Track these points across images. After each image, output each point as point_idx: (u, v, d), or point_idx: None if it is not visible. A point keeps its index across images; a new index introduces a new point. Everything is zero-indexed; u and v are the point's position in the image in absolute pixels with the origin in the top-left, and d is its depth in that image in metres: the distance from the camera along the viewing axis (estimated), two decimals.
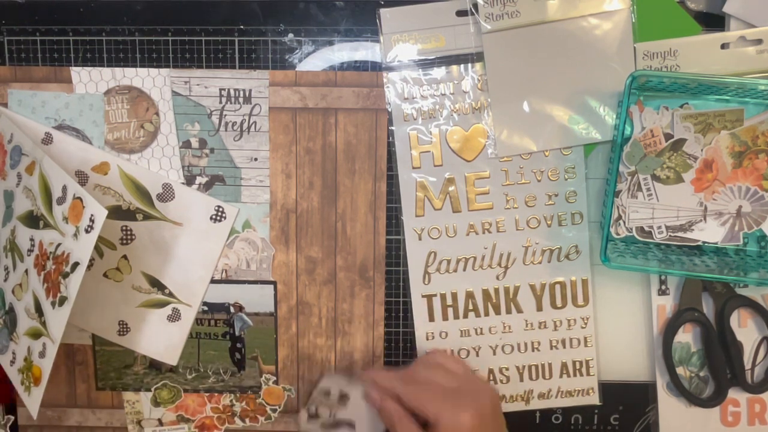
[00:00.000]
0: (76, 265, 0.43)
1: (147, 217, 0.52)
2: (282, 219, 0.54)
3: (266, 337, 0.55)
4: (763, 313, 0.52)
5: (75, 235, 0.44)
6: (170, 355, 0.55)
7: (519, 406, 0.55)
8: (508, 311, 0.54)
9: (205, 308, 0.55)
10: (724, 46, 0.49)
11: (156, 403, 0.56)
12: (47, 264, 0.46)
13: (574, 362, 0.54)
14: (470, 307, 0.54)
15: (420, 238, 0.53)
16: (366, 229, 0.54)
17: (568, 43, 0.50)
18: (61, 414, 0.57)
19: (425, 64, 0.52)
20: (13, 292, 0.49)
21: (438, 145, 0.52)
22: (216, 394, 0.56)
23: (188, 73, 0.52)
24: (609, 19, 0.50)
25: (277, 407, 0.56)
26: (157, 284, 0.53)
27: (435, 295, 0.54)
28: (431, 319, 0.54)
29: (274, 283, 0.54)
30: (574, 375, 0.54)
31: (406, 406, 0.47)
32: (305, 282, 0.54)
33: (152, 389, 0.56)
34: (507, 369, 0.54)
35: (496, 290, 0.54)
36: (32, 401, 0.47)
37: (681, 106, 0.50)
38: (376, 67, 0.52)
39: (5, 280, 0.49)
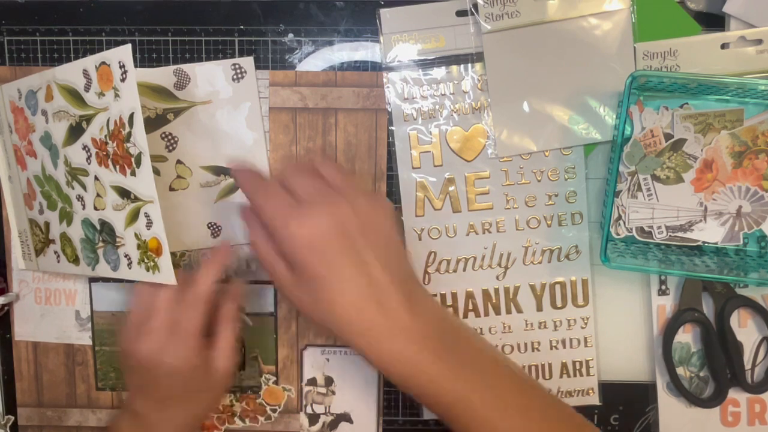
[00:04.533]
0: (131, 117, 0.42)
1: (177, 112, 0.52)
2: None
3: (266, 337, 0.55)
4: (763, 313, 0.52)
5: (116, 95, 0.43)
6: None
7: None
8: (508, 311, 0.54)
9: None
10: (724, 46, 0.49)
11: None
12: (108, 148, 0.45)
13: (574, 362, 0.54)
14: (470, 307, 0.54)
15: (420, 238, 0.53)
16: None
17: (568, 43, 0.50)
18: (61, 414, 0.57)
19: (425, 64, 0.52)
20: (95, 207, 0.48)
21: (438, 145, 0.52)
22: None
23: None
24: (609, 19, 0.50)
25: (277, 407, 0.56)
26: (220, 170, 0.53)
27: (435, 295, 0.54)
28: None
29: None
30: (574, 375, 0.54)
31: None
32: None
33: None
34: None
35: (496, 290, 0.54)
36: (164, 274, 0.45)
37: (681, 106, 0.50)
38: (376, 67, 0.52)
39: (84, 207, 0.49)
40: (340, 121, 0.53)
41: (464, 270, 0.53)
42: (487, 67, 0.51)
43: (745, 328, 0.53)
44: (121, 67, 0.42)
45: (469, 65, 0.51)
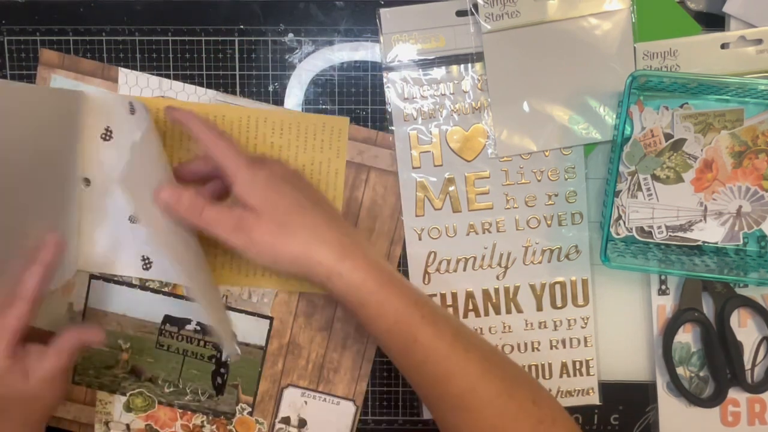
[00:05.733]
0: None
1: None
2: None
3: (251, 368, 0.55)
4: (763, 313, 0.52)
5: None
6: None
7: None
8: (508, 311, 0.54)
9: (198, 327, 0.54)
10: (724, 46, 0.49)
11: (128, 408, 0.55)
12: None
13: (574, 362, 0.54)
14: (470, 307, 0.54)
15: (420, 238, 0.53)
16: None
17: (568, 43, 0.50)
18: None
19: (425, 64, 0.52)
20: None
21: (438, 145, 0.52)
22: (189, 413, 0.55)
23: (233, 99, 0.52)
24: (609, 19, 0.50)
25: None
26: None
27: (435, 295, 0.54)
28: None
29: (271, 318, 0.54)
30: (574, 375, 0.54)
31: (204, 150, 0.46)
32: (301, 324, 0.54)
33: (127, 394, 0.55)
34: None
35: (496, 290, 0.54)
36: None
37: (681, 106, 0.50)
38: (376, 67, 0.52)
39: None
40: (371, 180, 0.53)
41: (464, 270, 0.53)
42: (487, 67, 0.51)
43: (745, 328, 0.53)
44: None
45: (469, 65, 0.51)
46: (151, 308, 0.54)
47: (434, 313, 0.45)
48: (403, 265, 0.54)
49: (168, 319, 0.55)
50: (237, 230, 0.44)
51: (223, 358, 0.54)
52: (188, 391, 0.55)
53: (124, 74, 0.52)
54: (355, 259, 0.43)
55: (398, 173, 0.53)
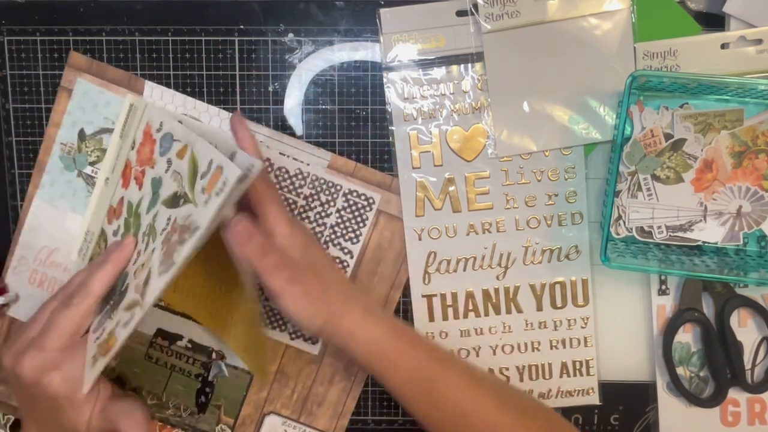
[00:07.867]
0: (196, 230, 0.41)
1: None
2: None
3: (236, 391, 0.55)
4: (763, 313, 0.52)
5: (206, 202, 0.42)
6: None
7: None
8: (508, 311, 0.54)
9: (189, 345, 0.54)
10: (724, 46, 0.49)
11: None
12: (173, 237, 0.44)
13: (574, 362, 0.54)
14: (470, 307, 0.54)
15: (420, 238, 0.53)
16: None
17: (568, 43, 0.50)
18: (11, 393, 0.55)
19: (425, 64, 0.52)
20: (134, 273, 0.46)
21: (438, 145, 0.52)
22: (169, 427, 0.55)
23: (256, 128, 0.52)
24: (609, 19, 0.50)
25: None
26: None
27: (435, 295, 0.54)
28: (431, 319, 0.54)
29: None
30: (574, 375, 0.54)
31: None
32: (292, 355, 0.54)
33: None
34: (507, 369, 0.54)
35: (496, 290, 0.54)
36: (92, 373, 0.45)
37: (681, 106, 0.50)
38: (376, 67, 0.52)
39: (134, 263, 0.47)
40: (380, 223, 0.53)
41: (464, 270, 0.53)
42: (487, 67, 0.51)
43: (745, 328, 0.53)
44: (223, 183, 0.40)
45: (469, 65, 0.51)
46: (145, 320, 0.54)
47: (446, 356, 0.47)
48: (402, 265, 0.54)
49: (160, 332, 0.55)
50: (289, 280, 0.44)
51: (210, 378, 0.55)
52: (170, 405, 0.55)
53: (150, 87, 0.52)
54: (375, 315, 0.46)
55: (398, 174, 0.53)
